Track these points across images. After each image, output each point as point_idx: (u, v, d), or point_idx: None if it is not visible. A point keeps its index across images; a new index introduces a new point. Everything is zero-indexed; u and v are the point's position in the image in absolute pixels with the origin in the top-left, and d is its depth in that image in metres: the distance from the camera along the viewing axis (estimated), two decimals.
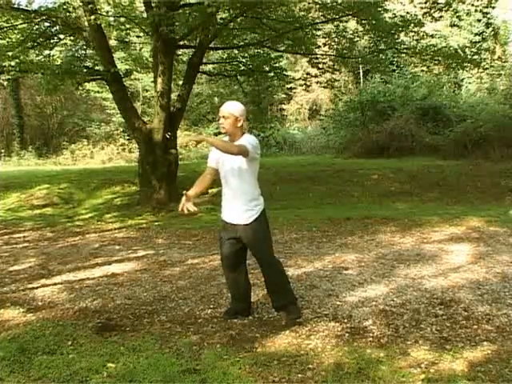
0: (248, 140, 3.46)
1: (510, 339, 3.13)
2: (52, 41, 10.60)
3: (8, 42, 9.86)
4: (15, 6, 9.35)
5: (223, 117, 3.49)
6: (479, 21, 21.34)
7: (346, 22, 11.30)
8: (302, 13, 10.71)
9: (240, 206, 3.50)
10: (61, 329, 3.52)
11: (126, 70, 12.47)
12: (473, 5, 11.68)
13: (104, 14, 9.50)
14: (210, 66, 13.75)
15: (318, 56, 11.99)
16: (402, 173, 11.45)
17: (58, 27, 10.01)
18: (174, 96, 10.97)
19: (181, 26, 9.97)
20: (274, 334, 3.35)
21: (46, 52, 11.08)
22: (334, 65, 12.36)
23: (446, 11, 10.93)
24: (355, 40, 11.55)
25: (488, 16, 21.25)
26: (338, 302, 3.93)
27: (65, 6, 9.54)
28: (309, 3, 10.41)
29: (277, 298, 3.63)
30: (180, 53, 12.11)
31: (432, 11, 10.39)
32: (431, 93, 17.86)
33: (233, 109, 3.50)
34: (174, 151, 10.06)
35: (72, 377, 2.80)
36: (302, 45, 11.40)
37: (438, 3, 10.29)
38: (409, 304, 3.82)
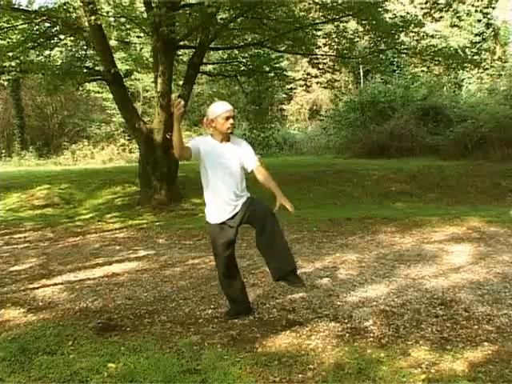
0: (251, 149, 3.61)
1: (510, 340, 3.13)
2: (52, 41, 10.61)
3: (8, 42, 9.86)
4: (16, 6, 9.34)
5: (233, 117, 3.48)
6: (479, 21, 21.32)
7: (347, 22, 11.29)
8: (303, 13, 10.71)
9: (235, 200, 3.49)
10: (61, 329, 3.52)
11: (126, 70, 12.50)
12: (473, 5, 11.69)
13: (104, 14, 9.49)
14: (210, 67, 13.76)
15: (319, 56, 11.99)
16: (403, 173, 11.45)
17: (58, 27, 10.00)
18: (174, 96, 10.97)
19: (181, 26, 9.98)
20: (274, 334, 3.35)
21: (47, 52, 11.10)
22: (334, 65, 12.36)
23: (446, 12, 10.92)
24: (355, 40, 11.55)
25: (488, 16, 21.25)
26: (339, 302, 3.93)
27: (65, 7, 9.54)
28: (309, 3, 10.41)
29: (280, 264, 3.43)
30: (180, 53, 12.11)
31: (432, 11, 10.39)
32: (431, 93, 17.85)
33: None
34: None
35: (72, 377, 2.80)
36: (302, 45, 11.40)
37: (438, 4, 10.29)
38: (409, 304, 3.82)
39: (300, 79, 13.84)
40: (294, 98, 24.17)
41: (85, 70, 10.38)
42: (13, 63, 9.41)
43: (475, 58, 12.17)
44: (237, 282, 3.69)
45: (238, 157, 3.52)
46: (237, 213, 3.49)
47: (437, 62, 11.53)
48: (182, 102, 3.31)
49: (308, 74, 13.09)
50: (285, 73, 13.25)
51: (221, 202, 3.50)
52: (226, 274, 3.64)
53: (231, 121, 3.45)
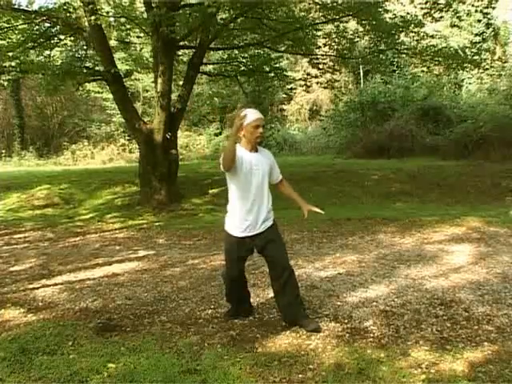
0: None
1: (510, 339, 3.13)
2: (52, 41, 10.60)
3: (8, 42, 9.86)
4: (16, 6, 9.35)
5: (263, 126, 3.43)
6: (479, 21, 21.35)
7: (347, 22, 11.30)
8: (303, 13, 10.71)
9: (265, 214, 3.43)
10: (61, 329, 3.52)
11: (126, 70, 12.50)
12: (473, 5, 11.70)
13: (104, 14, 9.50)
14: (210, 67, 13.76)
15: (319, 56, 12.00)
16: (403, 173, 11.45)
17: (58, 28, 10.01)
18: (174, 96, 10.98)
19: (181, 26, 9.97)
20: (274, 335, 3.35)
21: (47, 52, 11.09)
22: (334, 65, 12.37)
23: (446, 12, 10.93)
24: (355, 40, 11.55)
25: (488, 16, 21.28)
26: (339, 303, 3.94)
27: (65, 7, 9.54)
28: (309, 4, 10.42)
29: (292, 310, 3.46)
30: (180, 53, 12.12)
31: (432, 12, 10.39)
32: (431, 93, 17.88)
33: None
34: (174, 151, 10.06)
35: (72, 377, 2.80)
36: (302, 45, 11.40)
37: (438, 4, 10.29)
38: (409, 304, 3.82)
39: (300, 79, 13.85)
40: (294, 98, 24.19)
41: (85, 70, 10.37)
42: (13, 63, 9.42)
43: (475, 58, 12.17)
44: (244, 285, 3.70)
45: (268, 167, 3.48)
46: (259, 234, 3.42)
47: (437, 62, 11.53)
48: (247, 115, 3.27)
49: (308, 74, 13.10)
50: (285, 73, 13.26)
51: (246, 213, 3.40)
52: (235, 284, 3.62)
53: (261, 130, 3.37)
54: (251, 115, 3.37)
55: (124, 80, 10.63)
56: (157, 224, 8.36)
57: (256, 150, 3.46)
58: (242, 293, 3.71)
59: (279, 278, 3.45)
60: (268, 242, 3.43)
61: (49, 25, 9.97)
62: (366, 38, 11.79)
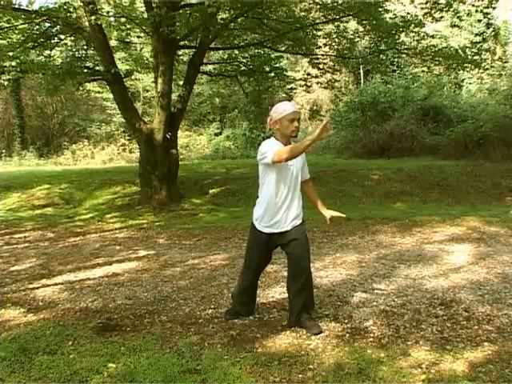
0: None
1: (510, 339, 3.13)
2: (53, 41, 10.61)
3: (9, 42, 9.86)
4: (16, 6, 9.35)
5: (298, 120, 3.32)
6: (480, 21, 21.38)
7: (347, 22, 11.31)
8: (303, 13, 10.72)
9: (296, 212, 3.41)
10: (61, 329, 3.52)
11: (126, 70, 12.50)
12: (473, 5, 11.70)
13: (105, 14, 9.50)
14: (210, 67, 13.77)
15: (319, 56, 12.01)
16: (403, 173, 11.45)
17: (58, 27, 10.01)
18: (174, 96, 10.99)
19: (181, 26, 9.98)
20: (274, 335, 3.35)
21: (47, 52, 11.09)
22: (334, 65, 12.38)
23: (446, 12, 10.94)
24: (356, 40, 11.57)
25: (488, 16, 21.31)
26: (339, 303, 3.94)
27: (65, 7, 9.54)
28: (309, 4, 10.42)
29: (302, 315, 3.41)
30: (181, 53, 12.13)
31: (432, 12, 10.40)
32: (432, 93, 17.87)
33: None
34: (174, 151, 10.07)
35: (73, 377, 2.80)
36: (302, 45, 11.41)
37: (438, 4, 10.30)
38: (409, 304, 3.83)
39: (300, 79, 13.86)
40: (294, 98, 24.17)
41: (85, 70, 10.37)
42: (13, 63, 9.42)
43: (475, 58, 12.18)
44: (255, 285, 3.69)
45: (301, 163, 3.44)
46: (286, 232, 3.37)
47: (437, 62, 11.53)
48: (331, 132, 3.15)
49: (308, 74, 13.11)
50: (285, 73, 13.25)
51: (277, 209, 3.36)
52: (251, 285, 3.63)
53: (296, 123, 3.26)
54: (287, 108, 3.29)
55: (124, 80, 10.63)
56: (157, 224, 8.36)
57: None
58: (253, 290, 3.69)
59: (298, 278, 3.37)
60: (293, 240, 3.37)
61: (49, 25, 9.97)
62: (367, 37, 11.81)
